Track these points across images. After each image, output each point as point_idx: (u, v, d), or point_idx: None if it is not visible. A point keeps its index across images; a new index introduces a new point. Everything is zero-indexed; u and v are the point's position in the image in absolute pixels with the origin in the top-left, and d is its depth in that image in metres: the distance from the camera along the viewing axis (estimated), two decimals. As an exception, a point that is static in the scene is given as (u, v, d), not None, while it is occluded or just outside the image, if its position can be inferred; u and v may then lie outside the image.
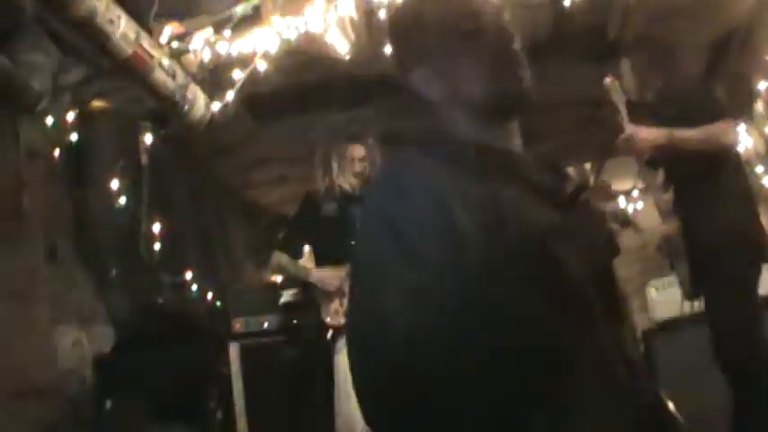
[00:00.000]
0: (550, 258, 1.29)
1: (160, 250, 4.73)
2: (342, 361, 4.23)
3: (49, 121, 4.01)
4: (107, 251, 4.58)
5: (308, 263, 4.60)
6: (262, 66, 4.16)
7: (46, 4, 3.21)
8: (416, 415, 1.30)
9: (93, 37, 3.33)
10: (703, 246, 3.48)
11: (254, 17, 4.06)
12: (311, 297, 4.38)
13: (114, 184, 4.49)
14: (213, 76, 4.27)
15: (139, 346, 4.10)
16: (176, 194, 5.52)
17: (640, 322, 5.06)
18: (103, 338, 4.31)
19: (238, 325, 4.82)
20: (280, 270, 4.56)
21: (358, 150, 4.42)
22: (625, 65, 3.80)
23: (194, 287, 5.25)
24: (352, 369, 1.44)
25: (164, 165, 5.04)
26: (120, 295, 4.57)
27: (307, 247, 4.70)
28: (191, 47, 4.09)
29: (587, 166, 6.74)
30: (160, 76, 3.71)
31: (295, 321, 4.81)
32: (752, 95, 5.12)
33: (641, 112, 3.61)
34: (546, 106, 2.25)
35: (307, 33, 4.07)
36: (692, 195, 3.53)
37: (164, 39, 3.97)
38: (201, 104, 4.19)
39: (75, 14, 3.15)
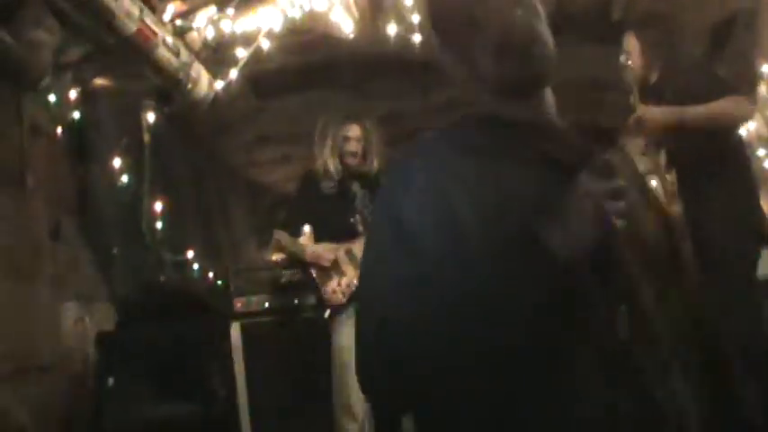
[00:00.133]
0: (539, 249, 1.30)
1: (162, 228, 4.74)
2: (340, 339, 4.25)
3: (52, 98, 4.01)
4: (110, 229, 4.58)
5: (307, 242, 4.60)
6: (265, 44, 4.16)
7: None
8: (410, 401, 1.46)
9: (97, 14, 3.32)
10: (704, 229, 3.47)
11: (257, -5, 4.06)
12: (311, 276, 4.40)
13: (117, 162, 4.49)
14: (216, 54, 4.26)
15: (142, 323, 4.11)
16: (179, 173, 5.52)
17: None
18: (106, 316, 4.32)
19: (239, 304, 4.82)
20: (280, 249, 4.57)
21: (354, 130, 4.41)
22: (631, 42, 3.79)
23: (196, 266, 5.26)
24: (355, 350, 1.57)
25: (166, 143, 5.04)
26: (123, 273, 4.58)
27: (307, 227, 4.71)
28: (194, 25, 4.09)
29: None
30: (164, 54, 3.71)
31: (296, 301, 4.82)
32: (755, 78, 5.10)
33: (645, 92, 3.61)
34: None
35: (311, 12, 4.06)
36: (694, 178, 3.53)
37: (167, 16, 3.96)
38: (205, 82, 4.19)
39: (79, -9, 3.14)
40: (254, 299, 4.84)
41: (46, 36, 3.78)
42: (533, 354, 1.32)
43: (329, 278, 4.30)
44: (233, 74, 4.28)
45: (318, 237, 4.50)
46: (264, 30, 4.10)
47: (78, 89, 4.15)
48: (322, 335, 4.32)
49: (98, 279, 4.37)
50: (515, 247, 1.33)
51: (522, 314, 1.31)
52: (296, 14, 4.08)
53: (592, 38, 4.78)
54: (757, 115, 5.32)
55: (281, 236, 4.43)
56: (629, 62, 3.66)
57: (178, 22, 3.99)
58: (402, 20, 4.20)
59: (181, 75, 3.93)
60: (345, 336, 4.24)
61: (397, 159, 1.60)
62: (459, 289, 1.34)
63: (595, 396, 1.34)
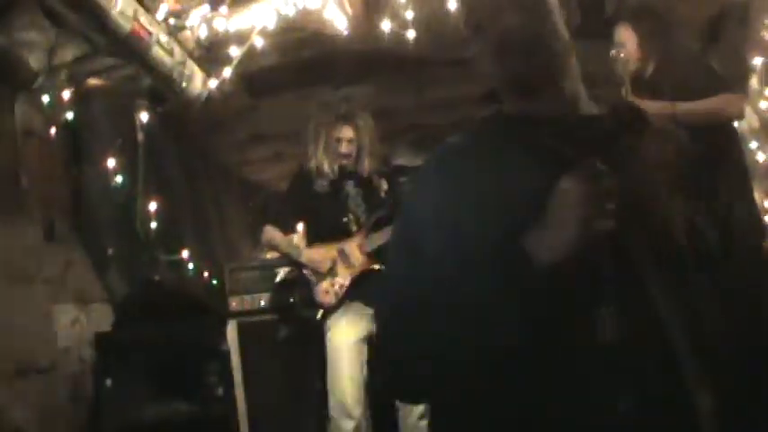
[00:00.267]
0: (519, 253, 1.35)
1: (156, 228, 4.72)
2: (334, 338, 4.26)
3: (46, 99, 4.00)
4: (104, 229, 4.57)
5: (300, 241, 4.60)
6: (259, 42, 4.15)
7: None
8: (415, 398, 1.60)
9: (91, 13, 3.31)
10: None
11: (251, -7, 4.05)
12: (304, 276, 4.39)
13: (111, 162, 4.47)
14: (210, 53, 4.25)
15: (139, 323, 4.10)
16: (172, 172, 5.51)
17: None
18: (102, 316, 4.31)
19: (235, 303, 4.82)
20: (271, 246, 4.56)
21: (347, 131, 4.39)
22: (625, 34, 3.79)
23: (191, 265, 5.25)
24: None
25: (160, 142, 5.02)
26: (118, 273, 4.57)
27: (300, 226, 4.70)
28: (187, 23, 4.08)
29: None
30: (158, 53, 3.70)
31: (291, 299, 4.82)
32: (747, 72, 5.11)
33: (638, 86, 3.60)
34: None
35: (304, 9, 4.05)
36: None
37: (161, 15, 3.95)
38: (199, 81, 4.18)
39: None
40: (249, 297, 4.84)
41: (39, 36, 3.78)
42: (520, 355, 1.35)
43: (321, 278, 4.30)
44: (227, 72, 4.27)
45: (310, 235, 4.50)
46: (258, 28, 4.09)
47: (72, 89, 4.13)
48: (318, 333, 4.32)
49: (94, 280, 4.35)
50: (499, 250, 1.37)
51: (507, 317, 1.35)
52: (289, 12, 4.07)
53: (585, 32, 4.78)
54: (749, 109, 5.34)
55: (272, 234, 4.42)
56: (622, 54, 3.66)
57: (171, 20, 3.97)
58: (396, 16, 4.19)
59: (175, 74, 3.92)
60: (340, 334, 4.25)
61: (421, 163, 1.66)
62: (453, 291, 1.40)
63: (580, 397, 1.36)
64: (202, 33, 4.17)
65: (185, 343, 4.01)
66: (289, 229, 4.56)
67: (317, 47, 4.55)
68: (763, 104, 4.71)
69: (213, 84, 4.30)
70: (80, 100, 4.25)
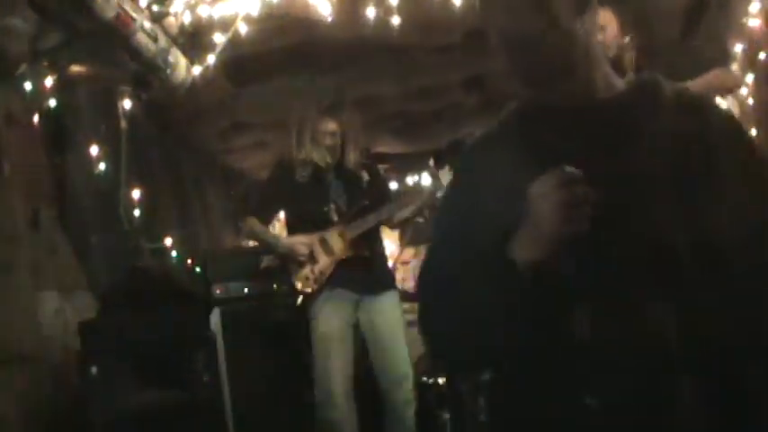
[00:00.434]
0: (502, 252, 1.41)
1: (140, 216, 4.71)
2: (319, 326, 4.27)
3: (28, 86, 3.97)
4: (87, 217, 4.54)
5: (280, 231, 4.61)
6: (243, 29, 4.14)
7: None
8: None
9: (74, -1, 3.29)
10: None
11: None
12: (285, 261, 4.40)
13: (94, 150, 4.45)
14: (194, 39, 4.23)
15: (124, 310, 4.08)
16: (155, 159, 5.48)
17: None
18: (86, 304, 4.29)
19: (218, 290, 4.82)
20: (252, 237, 4.56)
21: (330, 124, 4.39)
22: (605, 17, 3.79)
23: (174, 253, 5.24)
24: None
25: (143, 129, 5.00)
26: (102, 261, 4.55)
27: (282, 214, 4.70)
28: (171, 9, 4.06)
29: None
30: (142, 39, 3.68)
31: (275, 286, 4.83)
32: (728, 58, 5.14)
33: (619, 70, 3.60)
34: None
35: (289, -6, 4.05)
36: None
37: (144, 2, 3.93)
38: (183, 68, 4.17)
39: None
40: (232, 285, 4.84)
41: (20, 23, 3.75)
42: (507, 351, 1.48)
43: (302, 266, 4.30)
44: (210, 59, 4.26)
45: (291, 225, 4.50)
46: (242, 14, 4.08)
47: (54, 76, 4.11)
48: (303, 320, 4.34)
49: (77, 267, 4.33)
50: (495, 247, 1.43)
51: (497, 312, 1.43)
52: (273, -2, 4.07)
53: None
54: (730, 97, 5.38)
55: (252, 223, 4.43)
56: (601, 38, 3.66)
57: (155, 7, 3.95)
58: (381, 3, 4.19)
59: (159, 60, 3.90)
60: (325, 322, 4.26)
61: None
62: (460, 285, 1.51)
63: (562, 395, 1.42)
64: (186, 19, 4.16)
65: (170, 330, 3.99)
66: (270, 220, 4.57)
67: (301, 33, 4.54)
68: (743, 91, 4.73)
69: (197, 71, 4.28)
70: (63, 87, 4.23)
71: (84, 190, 4.51)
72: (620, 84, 1.58)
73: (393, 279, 4.66)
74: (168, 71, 4.01)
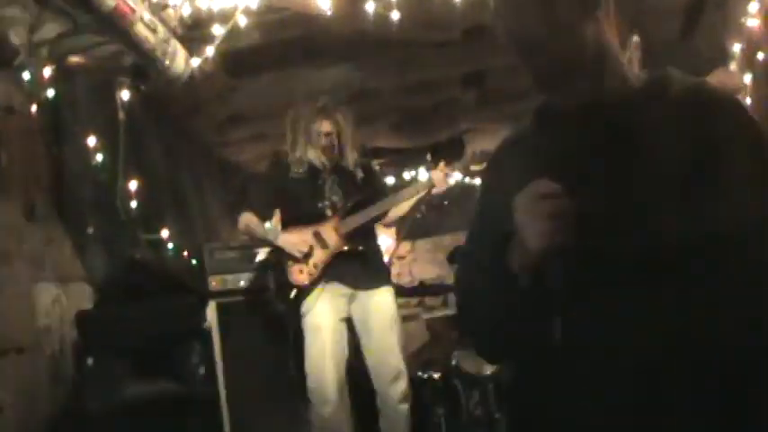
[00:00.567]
0: (506, 264, 1.45)
1: (137, 207, 4.71)
2: (311, 320, 4.28)
3: (27, 76, 3.96)
4: (85, 208, 4.54)
5: (276, 225, 4.61)
6: (242, 21, 4.13)
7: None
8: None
9: (74, -10, 3.28)
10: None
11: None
12: (280, 255, 4.41)
13: (92, 141, 4.45)
14: (193, 32, 4.23)
15: (120, 301, 4.09)
16: (153, 151, 5.48)
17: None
18: (83, 296, 4.29)
19: (215, 283, 4.82)
20: (247, 233, 4.57)
21: (325, 125, 4.42)
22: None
23: (171, 245, 5.24)
24: None
25: (141, 121, 5.00)
26: (99, 252, 4.55)
27: (277, 212, 4.71)
28: (170, 1, 4.05)
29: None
30: (141, 31, 3.66)
31: (271, 279, 4.83)
32: (726, 58, 5.15)
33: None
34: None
35: (288, -12, 4.04)
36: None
37: (143, -7, 3.91)
38: (181, 60, 4.15)
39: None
40: (228, 278, 4.84)
41: (19, 13, 3.74)
42: (510, 352, 1.59)
43: (296, 259, 4.31)
44: (209, 51, 4.25)
45: (286, 220, 4.51)
46: (241, 7, 4.07)
47: (53, 67, 4.10)
48: (297, 313, 4.34)
49: (74, 258, 4.33)
50: (493, 250, 1.49)
51: (497, 311, 1.52)
52: (273, -9, 4.06)
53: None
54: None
55: (248, 219, 4.44)
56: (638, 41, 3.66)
57: (154, -2, 3.94)
58: (380, -2, 4.19)
59: (158, 52, 3.89)
60: (317, 317, 4.27)
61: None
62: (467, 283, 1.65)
63: (556, 396, 1.45)
64: (185, 11, 4.15)
65: (166, 322, 4.00)
66: (267, 216, 4.58)
67: (300, 27, 4.53)
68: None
69: (195, 63, 4.28)
70: (61, 77, 4.21)
71: (82, 181, 4.50)
72: (635, 81, 1.56)
73: (388, 274, 4.67)
74: (167, 63, 3.99)
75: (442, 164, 4.48)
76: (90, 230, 4.52)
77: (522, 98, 4.84)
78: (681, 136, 1.42)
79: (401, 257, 9.32)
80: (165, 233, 5.18)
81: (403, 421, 4.30)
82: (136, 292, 4.00)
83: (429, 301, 7.25)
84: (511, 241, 1.42)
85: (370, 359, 4.37)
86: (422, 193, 4.55)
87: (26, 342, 3.75)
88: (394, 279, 5.06)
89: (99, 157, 4.47)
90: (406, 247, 9.33)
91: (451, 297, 6.60)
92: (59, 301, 4.08)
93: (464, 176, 7.27)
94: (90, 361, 3.72)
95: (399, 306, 4.54)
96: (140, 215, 4.78)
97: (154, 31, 3.79)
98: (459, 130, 6.80)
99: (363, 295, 4.34)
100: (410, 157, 7.34)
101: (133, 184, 4.68)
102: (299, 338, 4.36)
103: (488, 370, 4.89)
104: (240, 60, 4.89)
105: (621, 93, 1.52)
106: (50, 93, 4.14)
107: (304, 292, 4.30)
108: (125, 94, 4.54)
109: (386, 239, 7.32)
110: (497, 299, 1.47)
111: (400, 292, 5.10)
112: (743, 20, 4.54)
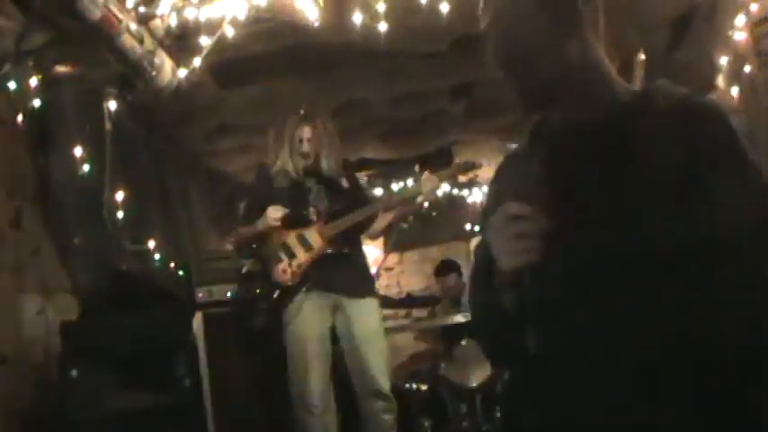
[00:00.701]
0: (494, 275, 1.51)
1: (123, 218, 4.69)
2: (296, 329, 4.27)
3: (13, 85, 3.95)
4: (71, 218, 4.52)
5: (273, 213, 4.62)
6: (230, 32, 4.13)
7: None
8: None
9: (61, -1, 3.27)
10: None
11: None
12: (265, 262, 4.41)
13: (78, 151, 4.43)
14: (180, 42, 4.22)
15: (106, 312, 4.07)
16: (140, 161, 5.46)
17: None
18: (68, 306, 4.27)
19: (201, 294, 4.80)
20: (243, 241, 4.59)
21: (306, 131, 4.46)
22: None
23: (157, 255, 5.21)
24: None
25: (128, 131, 4.98)
26: (85, 262, 4.53)
27: (269, 209, 4.71)
28: (158, 11, 4.05)
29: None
30: (128, 41, 3.67)
31: (258, 290, 4.81)
32: (714, 70, 5.17)
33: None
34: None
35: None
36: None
37: (130, 3, 3.92)
38: (168, 70, 4.16)
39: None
40: (215, 289, 4.82)
41: (5, 23, 3.73)
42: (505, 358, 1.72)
43: (279, 260, 4.31)
44: (196, 62, 4.25)
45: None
46: (228, 17, 4.08)
47: (39, 76, 4.09)
48: (280, 324, 4.34)
49: (60, 269, 4.31)
50: (486, 261, 1.54)
51: (492, 318, 1.58)
52: (261, 2, 4.06)
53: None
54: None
55: (241, 231, 4.48)
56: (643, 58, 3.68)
57: (141, 8, 3.94)
58: (367, 8, 4.19)
59: (145, 62, 3.89)
60: (300, 327, 4.26)
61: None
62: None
63: (548, 402, 1.48)
64: (173, 22, 4.15)
65: (152, 333, 3.97)
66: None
67: (288, 38, 4.54)
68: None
69: (183, 73, 4.28)
70: (48, 87, 4.20)
71: (68, 191, 4.48)
72: (628, 94, 1.59)
73: (373, 284, 4.66)
74: (154, 73, 4.00)
75: (427, 172, 4.52)
76: (76, 241, 4.49)
77: (510, 110, 4.87)
78: (668, 146, 1.44)
79: (389, 269, 9.31)
80: (151, 244, 5.15)
81: (386, 432, 4.30)
82: (122, 303, 3.98)
83: (416, 312, 7.25)
84: None
85: (354, 371, 4.37)
86: (407, 199, 4.58)
87: (10, 353, 3.73)
88: (382, 290, 5.06)
89: (85, 168, 4.45)
90: (393, 258, 9.32)
91: (438, 308, 6.61)
92: (44, 311, 4.06)
93: (452, 188, 7.27)
94: (74, 372, 3.68)
95: (386, 317, 4.53)
96: (127, 226, 4.76)
97: (141, 41, 3.80)
98: (448, 142, 6.81)
99: (347, 305, 4.34)
100: (398, 169, 7.33)
101: (119, 195, 4.67)
102: (283, 348, 4.35)
103: (475, 382, 4.89)
104: (228, 71, 4.89)
105: (608, 108, 1.54)
106: (36, 102, 4.13)
107: (287, 294, 4.30)
108: (112, 104, 4.53)
109: (374, 250, 7.31)
110: (490, 310, 1.55)
111: (388, 303, 5.09)
112: (730, 33, 4.57)
